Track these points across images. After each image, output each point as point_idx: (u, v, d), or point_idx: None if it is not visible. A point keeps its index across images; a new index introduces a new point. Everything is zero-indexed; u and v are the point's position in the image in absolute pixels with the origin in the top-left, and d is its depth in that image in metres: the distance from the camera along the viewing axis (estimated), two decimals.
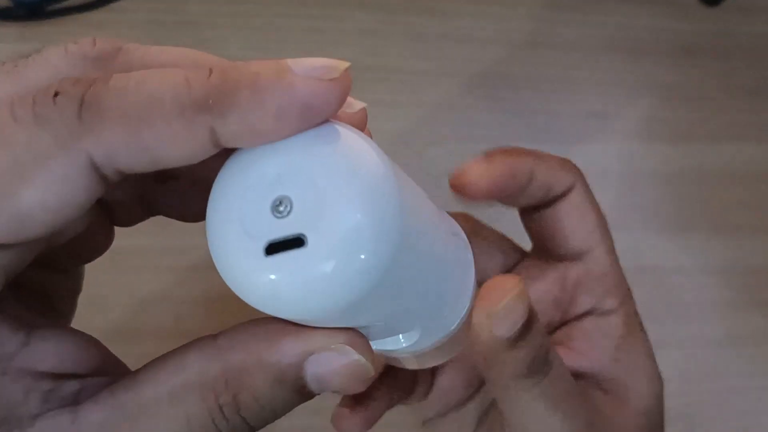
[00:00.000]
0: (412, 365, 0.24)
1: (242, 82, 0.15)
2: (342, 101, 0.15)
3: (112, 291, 0.39)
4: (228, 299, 0.42)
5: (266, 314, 0.16)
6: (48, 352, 0.17)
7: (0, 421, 0.16)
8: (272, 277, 0.15)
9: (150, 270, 0.39)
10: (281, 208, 0.15)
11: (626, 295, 0.28)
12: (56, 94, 0.15)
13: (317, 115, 0.15)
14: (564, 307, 0.28)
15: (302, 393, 0.17)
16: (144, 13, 0.42)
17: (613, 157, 0.43)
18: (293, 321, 0.16)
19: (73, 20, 0.41)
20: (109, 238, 0.22)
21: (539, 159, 0.25)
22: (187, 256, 0.38)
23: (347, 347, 0.17)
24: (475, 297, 0.22)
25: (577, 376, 0.26)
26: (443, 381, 0.28)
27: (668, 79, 0.45)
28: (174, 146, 0.15)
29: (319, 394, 0.17)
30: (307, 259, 0.15)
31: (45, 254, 0.19)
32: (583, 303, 0.27)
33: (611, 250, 0.27)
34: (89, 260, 0.22)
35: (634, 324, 0.27)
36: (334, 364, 0.17)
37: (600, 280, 0.27)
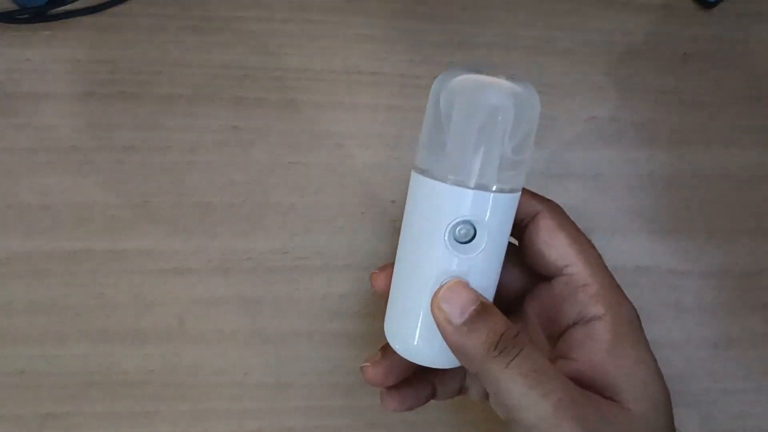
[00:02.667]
0: None
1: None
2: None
3: (117, 292, 0.39)
4: (230, 302, 0.43)
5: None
6: None
7: None
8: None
9: (154, 272, 0.39)
10: None
11: (615, 302, 0.28)
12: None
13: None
14: (554, 319, 0.30)
15: None
16: (148, 17, 0.42)
17: (610, 161, 0.44)
18: None
19: (77, 24, 0.41)
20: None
21: None
22: (192, 259, 0.39)
23: None
24: None
25: (577, 382, 0.27)
26: None
27: (665, 83, 0.45)
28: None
29: None
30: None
31: None
32: (569, 314, 0.29)
33: (593, 263, 0.29)
34: None
35: (626, 329, 0.28)
36: None
37: (581, 290, 0.28)
